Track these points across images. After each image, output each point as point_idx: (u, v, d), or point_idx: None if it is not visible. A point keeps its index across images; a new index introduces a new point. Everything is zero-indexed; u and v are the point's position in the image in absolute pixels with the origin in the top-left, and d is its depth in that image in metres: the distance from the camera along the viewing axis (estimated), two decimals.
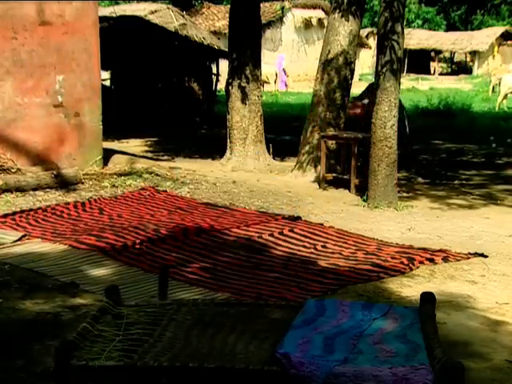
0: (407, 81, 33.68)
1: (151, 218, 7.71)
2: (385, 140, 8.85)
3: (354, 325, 3.42)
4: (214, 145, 13.90)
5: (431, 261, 6.29)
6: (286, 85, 31.01)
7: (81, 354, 3.06)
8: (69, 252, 6.37)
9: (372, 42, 36.61)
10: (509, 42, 42.92)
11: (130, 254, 6.35)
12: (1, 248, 6.48)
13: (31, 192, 8.85)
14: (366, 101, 10.94)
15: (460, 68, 46.77)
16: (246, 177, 10.79)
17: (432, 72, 44.61)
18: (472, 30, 48.50)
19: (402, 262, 6.15)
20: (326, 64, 10.81)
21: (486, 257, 6.54)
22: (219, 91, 19.55)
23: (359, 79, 32.02)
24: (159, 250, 6.47)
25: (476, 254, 6.57)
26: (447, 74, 44.86)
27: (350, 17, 10.57)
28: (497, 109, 22.24)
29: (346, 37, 10.66)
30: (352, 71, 11.00)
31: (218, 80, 18.46)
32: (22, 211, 7.87)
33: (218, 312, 3.71)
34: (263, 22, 19.34)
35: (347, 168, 9.98)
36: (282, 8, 30.30)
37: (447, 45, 43.72)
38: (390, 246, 6.78)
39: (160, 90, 17.44)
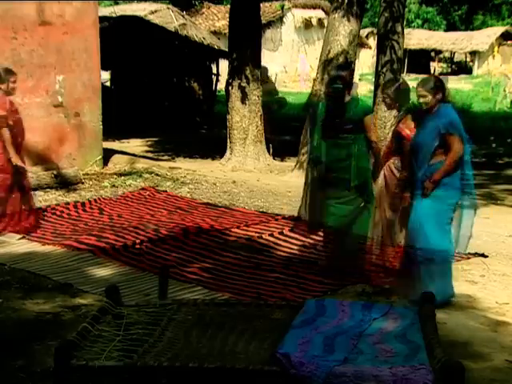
0: (407, 81, 33.62)
1: (151, 218, 7.70)
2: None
3: (354, 325, 3.42)
4: (213, 145, 13.89)
5: None
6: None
7: (81, 354, 3.07)
8: (69, 252, 6.37)
9: (372, 41, 36.56)
10: (509, 42, 42.86)
11: (130, 253, 6.35)
12: (1, 248, 6.48)
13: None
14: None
15: (460, 68, 46.73)
16: (246, 177, 10.78)
17: (432, 72, 44.54)
18: (472, 30, 48.42)
19: None
20: (326, 64, 10.80)
21: (486, 257, 6.53)
22: (219, 91, 19.53)
23: (359, 79, 31.97)
24: (159, 250, 6.46)
25: (476, 254, 6.56)
26: (447, 74, 44.80)
27: (350, 17, 10.56)
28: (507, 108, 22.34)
29: (345, 37, 10.65)
30: (352, 71, 10.99)
31: (217, 80, 18.43)
32: None
33: (218, 312, 3.70)
34: (263, 21, 19.33)
35: None
36: (282, 7, 30.25)
37: (447, 45, 43.66)
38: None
39: (160, 90, 17.41)
